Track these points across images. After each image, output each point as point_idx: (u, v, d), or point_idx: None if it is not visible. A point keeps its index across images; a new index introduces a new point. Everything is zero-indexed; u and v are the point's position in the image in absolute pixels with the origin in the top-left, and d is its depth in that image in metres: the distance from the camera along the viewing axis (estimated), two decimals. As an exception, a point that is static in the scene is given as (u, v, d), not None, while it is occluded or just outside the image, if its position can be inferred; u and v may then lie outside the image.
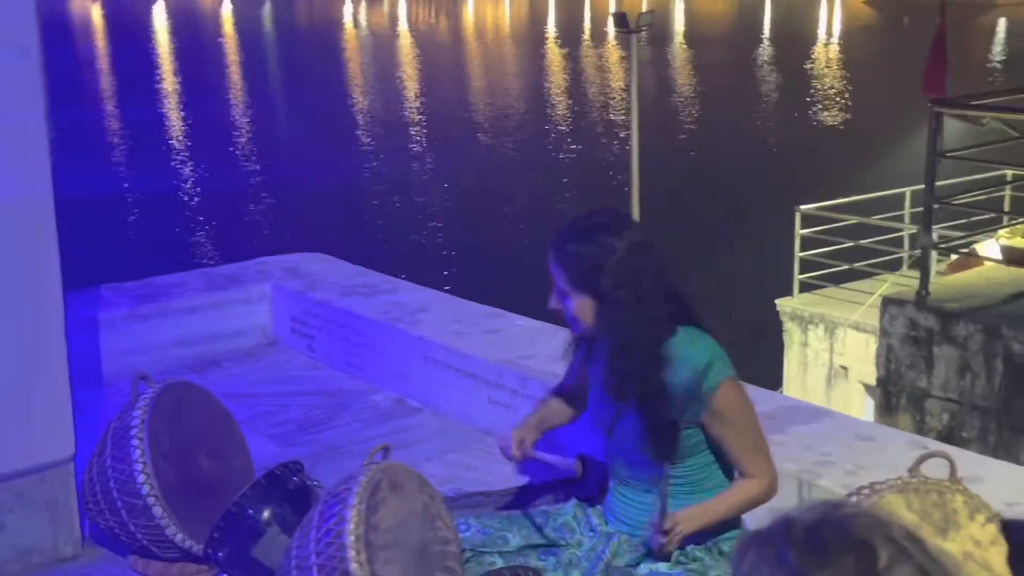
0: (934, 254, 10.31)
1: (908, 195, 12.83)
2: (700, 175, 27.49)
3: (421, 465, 3.82)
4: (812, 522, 1.37)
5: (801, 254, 12.88)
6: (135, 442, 3.35)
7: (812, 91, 42.30)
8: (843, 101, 40.04)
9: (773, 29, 68.38)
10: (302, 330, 5.47)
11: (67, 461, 3.59)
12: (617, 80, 44.84)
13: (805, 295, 12.77)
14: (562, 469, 3.26)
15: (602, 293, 2.85)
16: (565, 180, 28.50)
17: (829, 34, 65.92)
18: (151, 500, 3.33)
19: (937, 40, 9.57)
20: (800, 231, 12.90)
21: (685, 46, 58.78)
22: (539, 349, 4.41)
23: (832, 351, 12.16)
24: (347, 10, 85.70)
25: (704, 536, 2.93)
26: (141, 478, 3.33)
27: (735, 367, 2.92)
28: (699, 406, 2.86)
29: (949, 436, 7.66)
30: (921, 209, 8.91)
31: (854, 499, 2.67)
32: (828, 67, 49.71)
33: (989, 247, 10.68)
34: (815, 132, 34.60)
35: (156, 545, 3.41)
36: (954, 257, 11.40)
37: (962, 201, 10.18)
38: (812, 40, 61.04)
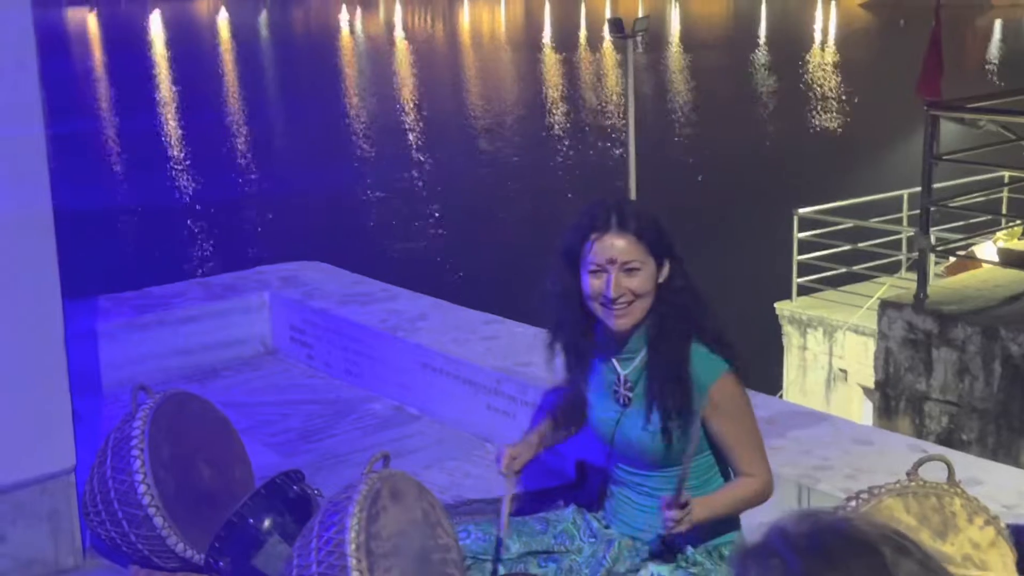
0: (932, 257, 10.33)
1: (906, 198, 12.84)
2: (697, 179, 27.51)
3: (421, 473, 3.83)
4: (810, 530, 1.38)
5: (799, 257, 12.89)
6: (135, 452, 3.36)
7: (808, 94, 42.35)
8: (840, 104, 40.08)
9: (769, 33, 68.47)
10: (301, 339, 5.48)
11: (68, 472, 3.59)
12: (613, 85, 44.88)
13: (804, 298, 12.78)
14: (567, 472, 3.27)
15: (675, 255, 2.88)
16: (562, 186, 28.51)
17: (825, 37, 66.00)
18: (152, 510, 3.34)
19: (932, 43, 9.60)
20: (798, 234, 12.91)
21: (681, 50, 58.86)
22: (537, 356, 4.40)
23: (831, 354, 12.17)
24: (343, 17, 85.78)
25: (702, 538, 2.93)
26: (142, 488, 3.34)
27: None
28: (703, 399, 2.86)
29: (948, 439, 7.66)
30: (919, 212, 8.92)
31: (853, 503, 2.68)
32: (824, 70, 49.76)
33: (986, 249, 10.69)
34: (812, 135, 34.63)
35: (157, 555, 3.42)
36: (952, 259, 11.41)
37: (959, 204, 10.20)
38: (808, 43, 61.13)
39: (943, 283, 9.27)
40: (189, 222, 26.70)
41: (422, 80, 50.35)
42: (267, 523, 3.19)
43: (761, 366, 11.70)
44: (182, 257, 22.98)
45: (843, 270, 13.00)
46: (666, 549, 2.93)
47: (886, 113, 31.48)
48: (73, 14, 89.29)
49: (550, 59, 57.01)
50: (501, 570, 3.04)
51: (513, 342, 4.71)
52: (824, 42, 63.34)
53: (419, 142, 35.36)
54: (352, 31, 77.57)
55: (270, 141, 36.11)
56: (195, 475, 3.52)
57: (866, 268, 13.08)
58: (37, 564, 3.56)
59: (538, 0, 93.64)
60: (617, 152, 30.10)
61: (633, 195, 15.96)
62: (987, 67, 47.93)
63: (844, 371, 12.02)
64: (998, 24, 66.57)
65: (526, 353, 4.55)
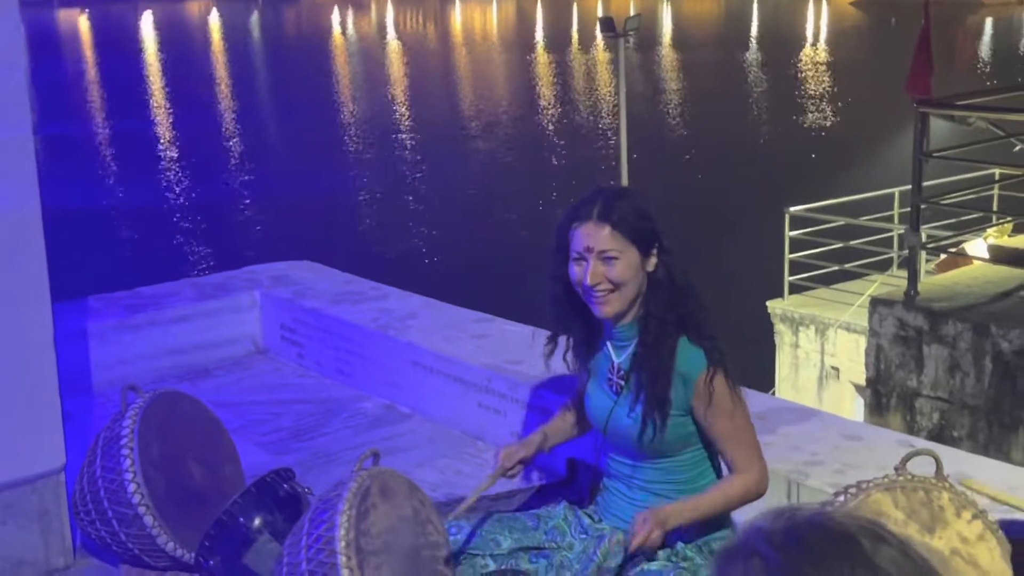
0: (923, 254, 10.35)
1: (897, 195, 12.87)
2: (689, 178, 27.54)
3: (412, 471, 3.83)
4: (787, 525, 1.39)
5: (791, 256, 12.91)
6: (125, 451, 3.36)
7: (800, 93, 42.40)
8: (831, 103, 40.15)
9: (760, 31, 68.55)
10: (291, 338, 5.48)
11: (58, 471, 3.59)
12: (605, 84, 44.90)
13: (796, 296, 12.81)
14: (558, 469, 3.28)
15: (663, 245, 2.89)
16: (554, 185, 28.52)
17: (816, 36, 66.09)
18: (142, 509, 3.34)
19: (921, 41, 9.60)
20: (789, 233, 12.94)
21: (673, 49, 58.90)
22: (528, 353, 4.42)
23: (823, 352, 12.19)
24: (335, 18, 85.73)
25: (693, 535, 2.94)
26: (131, 487, 3.33)
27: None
28: (688, 391, 2.87)
29: (939, 435, 7.68)
30: (909, 209, 8.93)
31: (841, 498, 2.69)
32: (816, 69, 49.83)
33: (977, 246, 10.73)
34: (803, 134, 34.68)
35: (147, 554, 3.41)
36: (943, 256, 11.44)
37: (950, 201, 10.22)
38: (800, 42, 61.21)
39: (934, 280, 9.29)
40: (180, 222, 26.68)
41: (414, 80, 50.35)
42: (257, 521, 3.19)
43: (753, 364, 11.73)
44: (173, 257, 22.97)
45: (835, 268, 13.04)
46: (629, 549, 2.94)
47: (877, 111, 31.54)
48: (64, 15, 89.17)
49: (542, 59, 57.03)
50: (492, 566, 3.05)
51: (503, 340, 4.72)
52: (816, 40, 63.42)
53: (411, 142, 35.36)
54: (344, 32, 77.52)
55: (261, 141, 36.09)
56: (185, 474, 3.52)
57: (857, 266, 13.11)
58: (27, 564, 3.56)
59: (530, 0, 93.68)
60: (609, 151, 30.12)
61: (625, 194, 15.98)
62: (978, 65, 48.03)
63: (836, 368, 12.05)
64: (989, 22, 66.73)
65: (516, 350, 4.56)
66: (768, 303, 12.82)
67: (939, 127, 9.75)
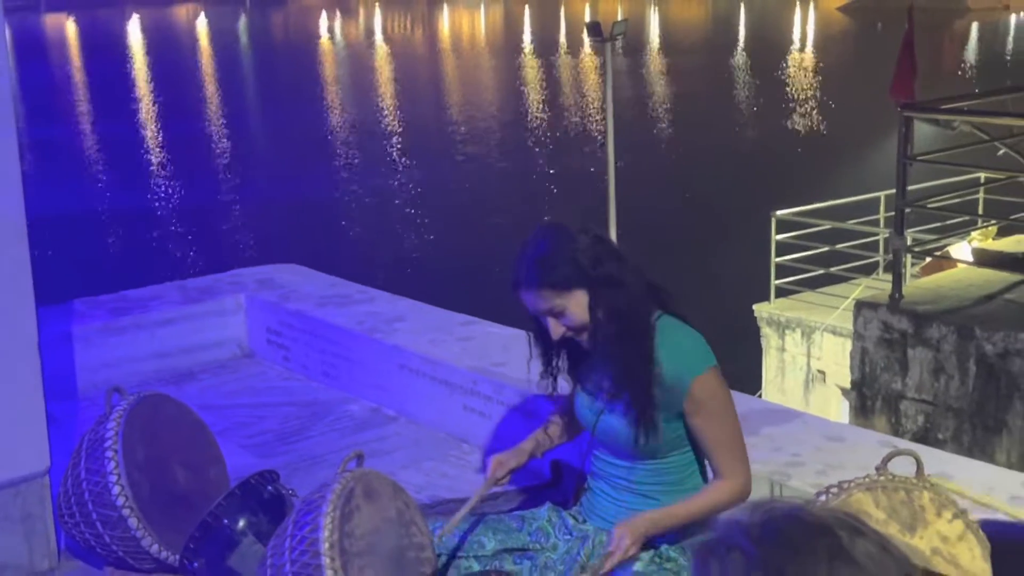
0: (908, 257, 10.39)
1: (882, 199, 12.92)
2: (676, 182, 27.59)
3: (397, 473, 3.84)
4: (764, 519, 1.40)
5: (777, 259, 12.95)
6: (109, 454, 3.36)
7: (787, 97, 42.52)
8: (818, 107, 40.26)
9: (748, 36, 68.71)
10: (277, 341, 5.48)
11: (42, 474, 3.59)
12: (593, 89, 44.97)
13: (782, 300, 12.84)
14: (543, 471, 3.29)
15: (592, 276, 2.86)
16: (541, 189, 28.56)
17: (803, 41, 66.28)
18: (126, 512, 3.34)
19: (905, 45, 9.66)
20: (776, 236, 12.98)
21: (660, 54, 59.01)
22: (513, 356, 4.43)
23: (809, 355, 12.23)
24: (323, 22, 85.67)
25: (677, 536, 2.96)
26: (116, 490, 3.34)
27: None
28: (680, 394, 2.88)
29: (924, 437, 7.71)
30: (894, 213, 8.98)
31: (823, 498, 2.70)
32: (803, 73, 49.97)
33: (961, 249, 10.77)
34: (790, 138, 34.77)
35: (132, 556, 3.42)
36: (928, 260, 11.48)
37: (935, 204, 10.27)
38: (787, 47, 61.38)
39: (918, 283, 9.33)
40: (166, 226, 26.64)
41: (401, 85, 50.35)
42: (241, 523, 3.20)
43: (740, 368, 11.76)
44: (159, 261, 22.92)
45: (821, 272, 13.07)
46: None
47: (863, 115, 31.64)
48: (51, 19, 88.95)
49: (530, 64, 57.08)
50: (476, 567, 3.06)
51: (489, 342, 4.73)
52: (802, 45, 63.60)
53: (397, 146, 35.35)
54: (332, 36, 77.48)
55: (248, 145, 36.06)
56: (170, 476, 3.53)
57: (843, 269, 13.15)
58: (11, 567, 3.55)
59: (518, 4, 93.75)
60: (596, 155, 30.15)
61: (612, 197, 15.98)
62: (964, 70, 48.22)
63: (822, 372, 12.09)
64: (975, 27, 67.01)
65: (502, 353, 4.57)
66: (754, 307, 12.85)
67: (925, 131, 9.79)
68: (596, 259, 2.88)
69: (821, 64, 52.27)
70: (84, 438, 3.47)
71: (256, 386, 5.25)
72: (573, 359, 3.09)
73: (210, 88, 50.83)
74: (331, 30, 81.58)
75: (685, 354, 2.89)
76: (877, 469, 2.81)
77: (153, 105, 45.01)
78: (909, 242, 9.68)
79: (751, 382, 12.25)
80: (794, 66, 52.90)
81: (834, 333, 11.70)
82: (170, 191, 29.99)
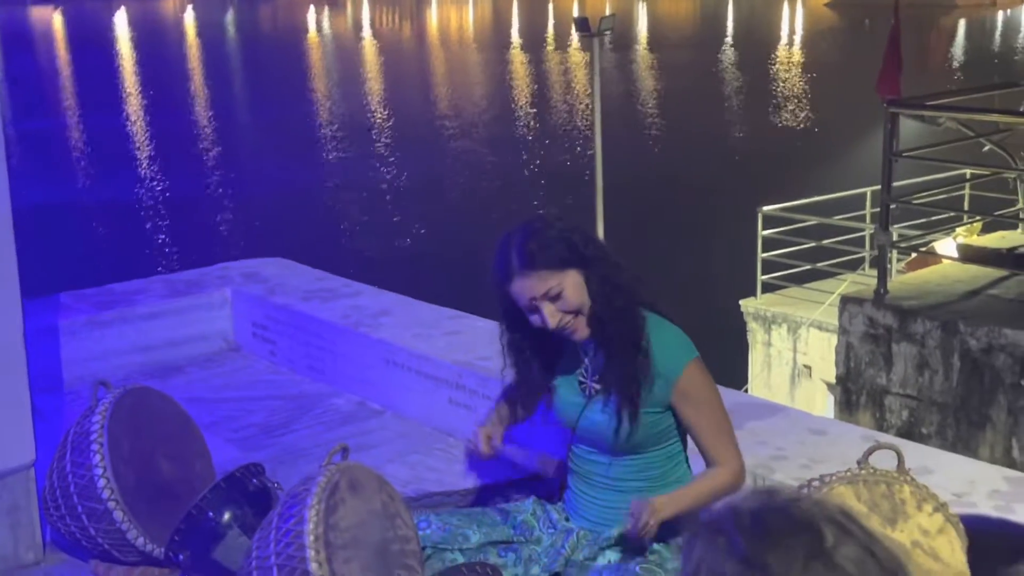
0: (893, 253, 10.43)
1: (869, 195, 12.96)
2: (664, 177, 27.60)
3: (383, 467, 3.85)
4: (756, 509, 1.41)
5: (764, 255, 12.99)
6: (95, 447, 3.36)
7: (774, 93, 42.57)
8: (805, 103, 40.33)
9: (735, 32, 68.77)
10: (263, 335, 5.48)
11: (28, 467, 3.59)
12: (581, 84, 44.96)
13: (768, 295, 12.88)
14: (527, 465, 3.30)
15: (587, 255, 2.87)
16: (528, 184, 28.55)
17: (791, 37, 66.36)
18: (112, 504, 3.34)
19: (891, 41, 9.69)
20: (762, 232, 13.01)
21: (648, 49, 59.02)
22: (499, 350, 4.43)
23: (795, 350, 12.27)
24: (311, 16, 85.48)
25: (663, 533, 2.96)
26: (101, 482, 3.34)
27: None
28: (667, 388, 2.89)
29: (908, 432, 7.75)
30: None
31: (804, 491, 2.72)
32: (790, 69, 50.03)
33: (946, 245, 10.81)
34: (777, 133, 34.82)
35: (117, 549, 3.42)
36: (913, 256, 11.53)
37: (920, 201, 10.31)
38: (774, 43, 61.45)
39: (903, 279, 9.36)
40: (151, 219, 26.58)
41: (389, 79, 50.28)
42: (227, 516, 3.20)
43: (727, 363, 11.79)
44: (144, 254, 22.88)
45: (807, 267, 13.11)
46: (624, 539, 2.97)
47: (850, 111, 31.70)
48: (38, 12, 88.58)
49: (518, 58, 57.04)
50: (460, 560, 3.07)
51: (475, 336, 4.74)
52: (790, 41, 63.68)
53: (385, 140, 35.31)
54: (320, 30, 77.31)
55: (236, 139, 35.97)
56: (155, 469, 3.53)
57: (830, 265, 13.20)
58: (-3, 559, 3.56)
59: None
60: (584, 150, 30.16)
61: (599, 191, 15.99)
62: (951, 66, 48.33)
63: (808, 367, 12.13)
64: (962, 23, 67.17)
65: (488, 347, 4.57)
66: (741, 302, 12.89)
67: (911, 127, 9.82)
68: (586, 239, 2.90)
69: (808, 60, 52.34)
70: (70, 431, 3.47)
71: (242, 380, 5.25)
72: (549, 358, 3.09)
73: (197, 81, 50.69)
74: (319, 24, 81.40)
75: (671, 348, 2.91)
76: (859, 463, 2.83)
77: (140, 98, 44.88)
78: (895, 238, 9.72)
79: (737, 377, 12.28)
80: (781, 62, 52.97)
81: (820, 328, 11.74)
82: (157, 184, 29.91)
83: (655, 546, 2.97)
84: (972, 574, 2.73)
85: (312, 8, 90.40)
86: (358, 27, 79.62)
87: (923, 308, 7.89)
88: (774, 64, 51.81)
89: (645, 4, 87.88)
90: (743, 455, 3.33)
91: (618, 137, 27.25)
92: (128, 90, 47.24)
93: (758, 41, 60.94)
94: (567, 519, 3.13)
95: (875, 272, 8.94)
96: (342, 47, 66.33)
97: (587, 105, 37.09)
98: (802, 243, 13.23)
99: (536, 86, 46.53)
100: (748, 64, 50.72)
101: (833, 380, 8.97)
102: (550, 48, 61.06)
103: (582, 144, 31.95)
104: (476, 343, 4.65)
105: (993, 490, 3.18)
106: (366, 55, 61.18)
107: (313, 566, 2.78)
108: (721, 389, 4.00)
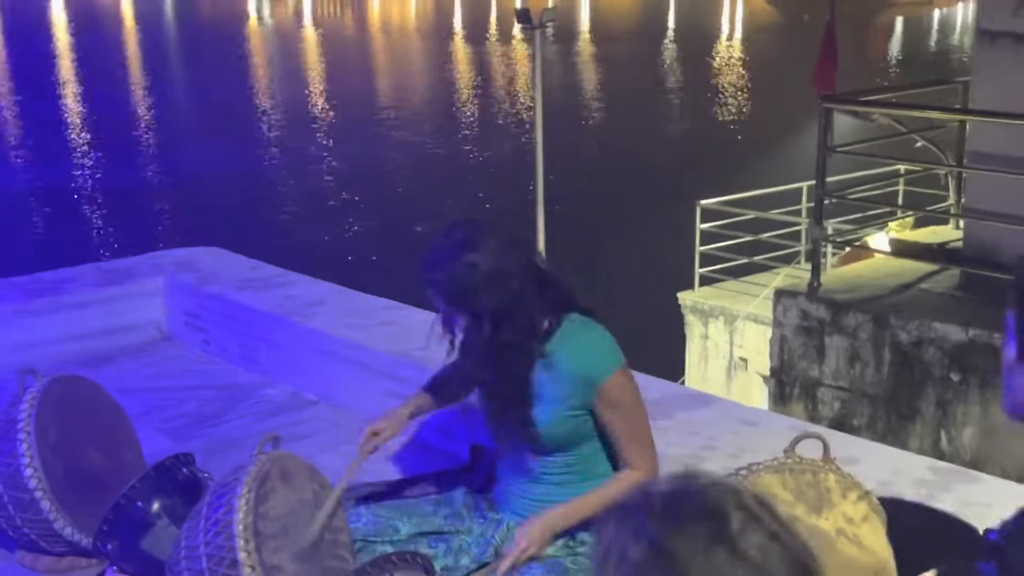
0: (828, 247, 10.55)
1: (805, 190, 13.09)
2: (604, 169, 27.71)
3: (316, 457, 3.82)
4: (669, 492, 1.42)
5: (702, 248, 13.07)
6: (21, 436, 3.32)
7: (714, 87, 42.86)
8: (744, 97, 40.65)
9: (677, 26, 69.14)
10: (196, 324, 5.44)
11: (-48, 457, 3.53)
12: (522, 76, 44.94)
13: (706, 288, 12.96)
14: (458, 455, 3.31)
15: (480, 305, 2.88)
16: (468, 176, 28.52)
17: (732, 31, 66.86)
18: (38, 494, 3.30)
19: (827, 38, 9.78)
20: (700, 225, 13.10)
21: (590, 42, 59.15)
22: (434, 340, 4.43)
23: (732, 343, 12.37)
24: (251, 3, 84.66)
25: (590, 525, 2.99)
26: (28, 472, 3.30)
27: (634, 358, 3.00)
28: (590, 393, 2.91)
29: (840, 424, 7.84)
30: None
31: (731, 478, 2.75)
32: (730, 64, 50.40)
33: (879, 240, 10.95)
34: (716, 127, 35.07)
35: (44, 539, 3.38)
36: (847, 250, 11.67)
37: (854, 196, 10.43)
38: (715, 37, 61.84)
39: (837, 272, 9.47)
40: (83, 207, 26.20)
41: (330, 68, 49.95)
42: (156, 506, 3.18)
43: (664, 355, 11.87)
44: (75, 242, 22.53)
45: (745, 260, 13.22)
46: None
47: (789, 106, 31.99)
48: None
49: (460, 50, 56.91)
50: (391, 551, 3.07)
51: (411, 327, 4.73)
52: (731, 36, 64.14)
53: (323, 130, 35.08)
54: (260, 18, 76.60)
55: (172, 126, 35.52)
56: (83, 458, 3.49)
57: (767, 259, 13.32)
58: (-80, 551, 3.50)
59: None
60: (525, 141, 30.18)
61: (539, 184, 15.99)
62: (888, 63, 48.96)
63: (744, 360, 12.23)
64: (899, 21, 68.06)
65: (423, 338, 4.56)
66: (679, 294, 12.96)
67: (847, 123, 9.94)
68: (486, 287, 2.86)
69: (748, 54, 52.76)
70: (-4, 420, 3.42)
71: (174, 369, 5.20)
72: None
73: (134, 66, 50.01)
74: (259, 11, 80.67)
75: (594, 355, 2.93)
76: (785, 452, 2.87)
77: (75, 83, 44.20)
78: (829, 232, 9.82)
79: (674, 369, 12.36)
80: (721, 56, 53.34)
81: (755, 321, 11.84)
82: (91, 171, 29.49)
83: (585, 537, 3.00)
84: (896, 560, 2.78)
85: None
86: (299, 16, 78.98)
87: (855, 301, 7.99)
88: (714, 58, 52.16)
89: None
90: (674, 446, 3.37)
91: (559, 129, 27.31)
92: (63, 74, 46.50)
93: (699, 35, 61.29)
94: (497, 510, 3.15)
95: (809, 266, 9.04)
96: (283, 35, 65.78)
97: (529, 97, 37.12)
98: (740, 236, 13.34)
99: (478, 77, 46.47)
100: (688, 57, 51.02)
101: (768, 372, 9.06)
102: (493, 39, 61.01)
103: (524, 135, 31.97)
104: (412, 333, 4.64)
105: (918, 479, 3.23)
106: (307, 44, 60.73)
107: (242, 555, 2.77)
108: (653, 380, 4.05)
